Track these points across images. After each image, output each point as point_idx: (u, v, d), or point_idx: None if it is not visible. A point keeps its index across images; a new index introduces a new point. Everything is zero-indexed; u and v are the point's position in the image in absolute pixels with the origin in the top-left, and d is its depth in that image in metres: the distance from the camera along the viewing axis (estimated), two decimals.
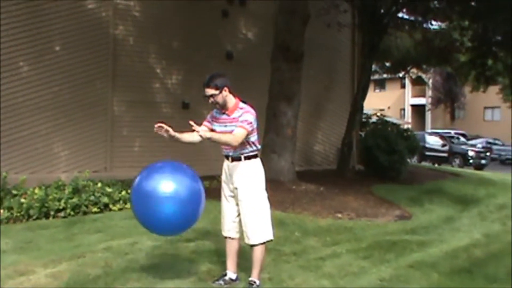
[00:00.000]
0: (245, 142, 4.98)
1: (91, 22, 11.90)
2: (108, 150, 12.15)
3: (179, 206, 4.58)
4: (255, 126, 5.02)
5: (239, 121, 4.94)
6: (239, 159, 5.04)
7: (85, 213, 8.49)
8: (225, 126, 5.04)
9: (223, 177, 5.23)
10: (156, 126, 4.95)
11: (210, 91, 4.95)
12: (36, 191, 8.77)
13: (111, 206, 8.79)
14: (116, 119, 12.28)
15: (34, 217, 8.22)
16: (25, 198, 8.58)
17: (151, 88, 12.81)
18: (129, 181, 10.09)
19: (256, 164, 5.10)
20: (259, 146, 5.12)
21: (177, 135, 5.03)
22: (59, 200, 8.47)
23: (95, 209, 8.60)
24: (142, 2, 12.53)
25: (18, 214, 8.24)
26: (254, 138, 5.06)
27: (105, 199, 8.76)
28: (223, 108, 5.04)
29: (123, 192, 9.12)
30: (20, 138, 11.08)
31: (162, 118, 12.43)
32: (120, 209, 8.79)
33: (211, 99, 4.98)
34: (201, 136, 4.79)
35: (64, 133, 11.62)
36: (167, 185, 4.59)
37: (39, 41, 11.32)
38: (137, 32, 12.51)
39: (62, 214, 8.36)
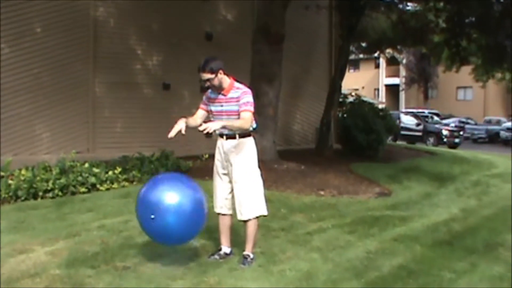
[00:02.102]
0: None
1: (71, 4, 11.85)
2: (90, 131, 12.20)
3: (182, 218, 4.83)
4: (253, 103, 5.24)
5: (242, 103, 5.13)
6: (234, 137, 5.22)
7: (73, 193, 8.57)
8: (221, 106, 5.24)
9: (217, 155, 5.40)
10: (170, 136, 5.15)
11: (206, 76, 5.12)
12: (23, 172, 8.83)
13: (98, 186, 8.90)
14: (97, 100, 12.32)
15: (23, 198, 8.27)
16: (12, 180, 8.65)
17: (132, 69, 12.85)
18: (113, 162, 10.26)
19: (250, 142, 5.32)
20: (255, 125, 5.31)
21: (186, 124, 5.21)
22: (47, 181, 8.54)
23: (83, 189, 8.69)
24: None
25: (6, 196, 8.29)
26: None
27: (93, 179, 8.86)
28: (219, 89, 5.22)
29: (110, 172, 9.23)
30: (1, 120, 11.07)
31: (143, 99, 12.74)
32: (108, 189, 8.89)
33: (208, 83, 5.16)
34: (214, 130, 4.98)
35: (45, 115, 11.63)
36: (171, 197, 4.82)
37: (18, 22, 11.27)
38: (117, 13, 12.52)
39: (50, 194, 8.42)
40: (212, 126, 4.92)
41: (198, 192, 5.02)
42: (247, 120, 5.13)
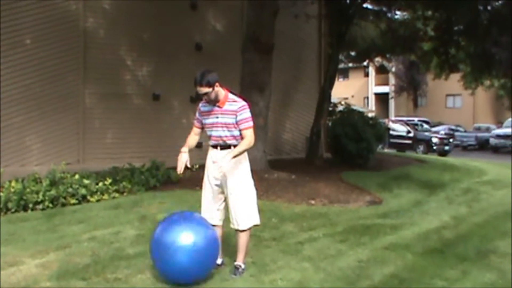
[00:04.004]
0: (238, 134, 5.23)
1: (62, 15, 11.87)
2: (80, 142, 12.16)
3: (197, 255, 4.85)
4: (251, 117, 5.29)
5: (241, 120, 5.19)
6: (228, 148, 5.23)
7: (63, 205, 8.54)
8: (217, 117, 5.25)
9: (208, 166, 5.39)
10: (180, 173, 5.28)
11: (204, 90, 5.13)
12: (13, 184, 8.79)
13: (89, 197, 8.87)
14: (88, 111, 12.29)
15: (13, 210, 8.26)
16: (2, 192, 8.60)
17: (122, 80, 12.83)
18: (103, 173, 10.23)
19: (244, 153, 5.31)
20: None
21: (187, 149, 5.36)
22: (37, 192, 8.51)
23: (73, 201, 8.66)
24: None
25: None
26: None
27: (83, 191, 8.82)
28: (214, 101, 5.24)
29: (100, 184, 9.20)
30: None
31: (133, 109, 12.73)
32: (98, 200, 8.87)
33: (205, 97, 5.18)
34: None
35: (36, 126, 11.60)
36: (185, 237, 4.85)
37: (9, 34, 11.24)
38: (107, 24, 12.53)
39: (40, 206, 8.40)
40: (224, 165, 5.03)
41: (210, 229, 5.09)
42: (251, 138, 5.21)
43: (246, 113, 5.22)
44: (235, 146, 5.23)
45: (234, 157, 5.12)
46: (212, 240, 5.01)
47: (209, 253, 4.96)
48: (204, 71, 5.22)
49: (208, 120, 5.32)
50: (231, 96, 5.30)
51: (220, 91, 5.23)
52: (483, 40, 16.64)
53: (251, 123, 5.24)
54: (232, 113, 5.19)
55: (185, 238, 4.82)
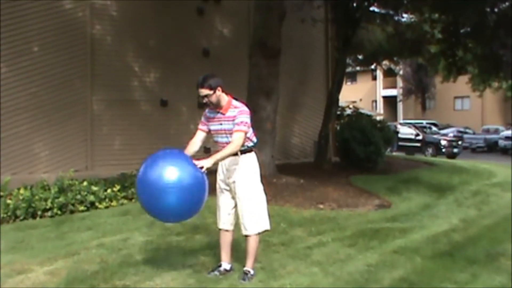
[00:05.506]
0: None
1: (69, 22, 11.95)
2: (88, 149, 12.21)
3: (183, 194, 4.73)
4: (249, 123, 5.22)
5: (235, 123, 5.11)
6: (235, 154, 5.19)
7: (72, 211, 8.58)
8: (220, 124, 5.23)
9: (219, 172, 5.38)
10: None
11: (204, 92, 5.11)
12: (22, 191, 8.83)
13: (97, 204, 8.89)
14: (95, 118, 12.34)
15: (21, 218, 8.31)
16: (10, 199, 8.64)
17: (130, 86, 12.89)
18: (111, 179, 10.23)
19: (252, 158, 5.31)
20: (255, 140, 5.33)
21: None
22: (46, 200, 8.56)
23: (81, 208, 8.69)
24: (118, 2, 12.59)
25: (5, 215, 8.30)
26: (249, 133, 5.24)
27: (91, 198, 8.86)
28: (217, 107, 5.22)
29: (108, 190, 9.23)
30: (0, 139, 11.08)
31: (141, 116, 12.75)
32: (106, 207, 8.90)
33: (206, 99, 5.15)
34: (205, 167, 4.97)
35: (44, 133, 11.67)
36: (171, 174, 4.72)
37: (16, 42, 11.33)
38: (114, 31, 12.58)
39: (49, 213, 8.45)
40: (205, 164, 4.93)
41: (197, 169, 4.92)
42: (237, 143, 5.09)
43: (243, 117, 5.14)
44: (242, 151, 5.20)
45: (216, 162, 5.09)
46: (198, 178, 4.86)
47: (196, 191, 4.83)
48: (207, 74, 5.22)
49: (213, 127, 5.31)
50: (234, 102, 5.26)
51: (223, 97, 5.20)
52: (490, 42, 16.58)
53: (243, 128, 5.12)
54: (232, 119, 5.15)
55: (170, 174, 4.71)
